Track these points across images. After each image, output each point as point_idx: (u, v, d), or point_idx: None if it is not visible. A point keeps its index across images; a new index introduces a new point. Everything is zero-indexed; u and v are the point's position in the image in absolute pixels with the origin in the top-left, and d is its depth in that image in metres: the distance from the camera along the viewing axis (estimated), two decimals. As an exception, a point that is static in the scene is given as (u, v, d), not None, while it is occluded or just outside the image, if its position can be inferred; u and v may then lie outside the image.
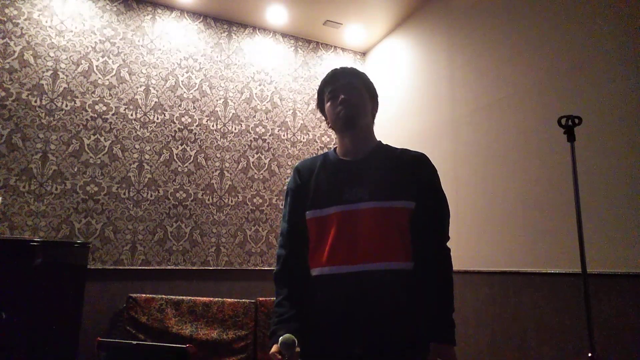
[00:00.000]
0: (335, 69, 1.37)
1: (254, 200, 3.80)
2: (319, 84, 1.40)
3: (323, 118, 1.47)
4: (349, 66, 1.40)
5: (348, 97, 1.29)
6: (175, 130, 3.62)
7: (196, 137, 3.69)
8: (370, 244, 1.19)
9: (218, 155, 3.74)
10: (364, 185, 1.24)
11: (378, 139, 1.39)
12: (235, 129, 3.85)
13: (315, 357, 1.20)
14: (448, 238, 1.30)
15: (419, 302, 1.21)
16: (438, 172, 1.34)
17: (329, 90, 1.34)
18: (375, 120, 1.41)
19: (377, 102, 1.40)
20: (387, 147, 1.36)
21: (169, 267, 3.41)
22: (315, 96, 1.45)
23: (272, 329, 1.21)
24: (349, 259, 1.19)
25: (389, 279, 1.18)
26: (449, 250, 1.28)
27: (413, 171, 1.28)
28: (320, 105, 1.42)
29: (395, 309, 1.17)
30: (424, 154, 1.33)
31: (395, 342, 1.16)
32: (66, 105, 3.27)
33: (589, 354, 1.73)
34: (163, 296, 3.16)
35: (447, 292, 1.23)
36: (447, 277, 1.25)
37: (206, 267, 3.53)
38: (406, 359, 1.18)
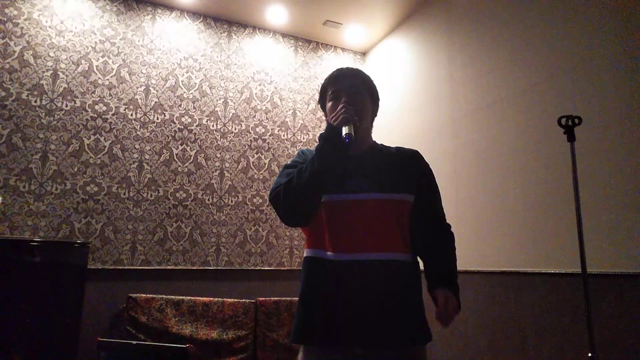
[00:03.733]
0: (341, 69, 1.38)
1: (254, 200, 3.80)
2: (322, 82, 1.41)
3: (323, 118, 1.48)
4: (354, 67, 1.40)
5: (350, 101, 1.30)
6: (175, 130, 3.62)
7: (196, 137, 3.69)
8: (371, 234, 1.21)
9: (218, 155, 3.74)
10: (365, 177, 1.26)
11: (374, 139, 1.42)
12: (235, 129, 3.85)
13: (315, 347, 1.20)
14: (449, 225, 1.36)
15: (419, 295, 1.23)
16: (437, 171, 1.39)
17: (332, 91, 1.35)
18: (375, 120, 1.42)
19: (378, 105, 1.42)
20: (382, 146, 1.41)
21: (169, 267, 3.41)
22: (316, 96, 1.47)
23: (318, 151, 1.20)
24: (350, 247, 1.20)
25: (390, 268, 1.19)
26: (451, 228, 1.35)
27: (412, 164, 1.33)
28: (321, 102, 1.43)
29: (395, 301, 1.18)
30: (417, 151, 1.39)
31: (395, 340, 1.16)
32: (66, 105, 3.27)
33: (589, 354, 1.73)
34: (163, 296, 3.16)
35: (453, 259, 1.29)
36: (453, 247, 1.32)
37: (206, 267, 3.53)
38: (405, 357, 1.18)
